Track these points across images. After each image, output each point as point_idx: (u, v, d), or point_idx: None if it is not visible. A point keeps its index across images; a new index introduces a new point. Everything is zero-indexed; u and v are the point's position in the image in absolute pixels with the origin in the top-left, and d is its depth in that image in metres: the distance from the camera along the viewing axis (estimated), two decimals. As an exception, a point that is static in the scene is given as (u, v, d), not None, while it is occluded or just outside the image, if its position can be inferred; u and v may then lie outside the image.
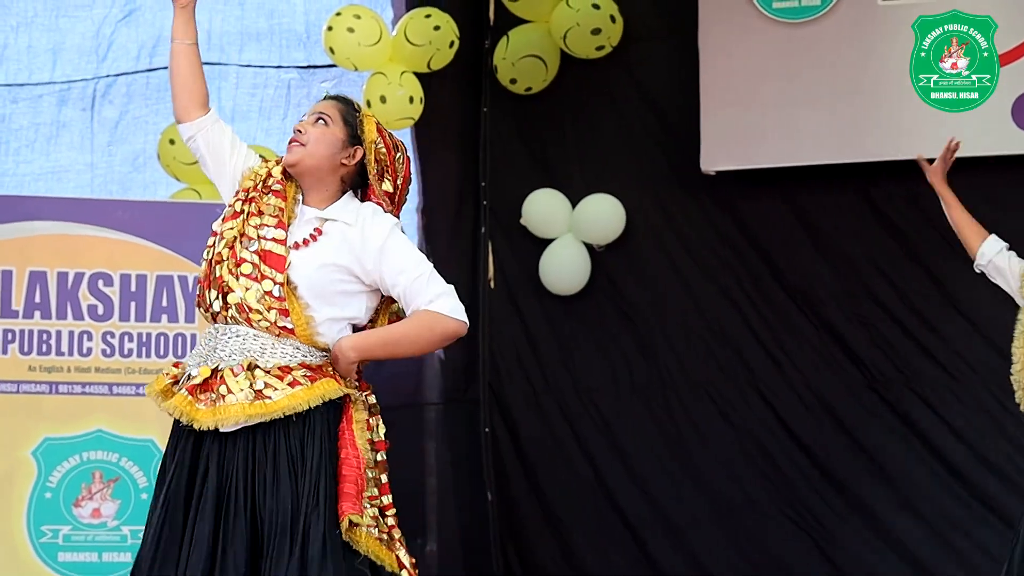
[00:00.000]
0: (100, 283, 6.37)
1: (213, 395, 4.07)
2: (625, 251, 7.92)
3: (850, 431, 7.55)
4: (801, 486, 7.61)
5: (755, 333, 7.75)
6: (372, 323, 4.29)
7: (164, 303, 6.41)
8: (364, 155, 4.27)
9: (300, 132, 4.24)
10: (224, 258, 4.14)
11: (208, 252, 4.21)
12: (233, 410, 4.03)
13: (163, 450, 6.13)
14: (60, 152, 7.91)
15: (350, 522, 4.03)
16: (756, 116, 7.55)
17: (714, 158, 7.64)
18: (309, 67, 7.93)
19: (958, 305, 7.35)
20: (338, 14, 7.37)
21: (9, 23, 7.86)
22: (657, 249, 7.90)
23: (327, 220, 4.21)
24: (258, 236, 4.15)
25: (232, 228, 4.18)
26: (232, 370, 4.08)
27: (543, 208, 7.90)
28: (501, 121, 8.10)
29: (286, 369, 4.10)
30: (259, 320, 4.09)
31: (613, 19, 7.72)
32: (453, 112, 7.99)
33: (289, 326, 4.10)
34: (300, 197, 4.27)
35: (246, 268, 4.11)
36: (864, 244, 7.59)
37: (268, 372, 4.09)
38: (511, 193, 7.96)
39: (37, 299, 6.33)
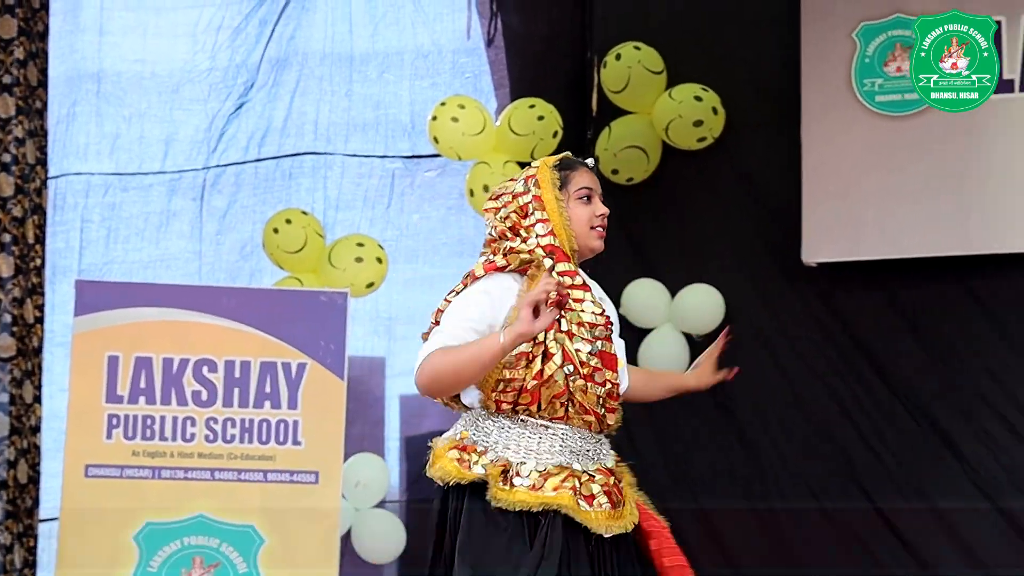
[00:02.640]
0: (204, 369, 6.41)
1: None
2: None
3: (954, 528, 7.43)
4: None
5: (856, 426, 7.65)
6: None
7: (267, 389, 6.44)
8: None
9: (605, 217, 4.32)
10: (563, 364, 4.06)
11: (529, 359, 4.07)
12: (634, 511, 4.19)
13: (264, 537, 6.28)
14: (169, 240, 8.01)
15: None
16: (858, 208, 7.52)
17: (816, 250, 7.61)
18: (414, 157, 7.99)
19: None
20: (443, 104, 7.43)
21: (122, 114, 8.01)
22: (757, 340, 7.83)
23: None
24: (584, 335, 4.13)
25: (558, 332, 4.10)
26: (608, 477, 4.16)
27: (643, 298, 7.86)
28: None
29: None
30: (598, 425, 4.16)
31: (715, 111, 7.72)
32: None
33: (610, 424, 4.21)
34: None
35: (597, 376, 4.12)
36: (967, 338, 7.50)
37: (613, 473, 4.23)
38: (611, 282, 7.77)
39: (142, 384, 6.37)
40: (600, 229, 4.26)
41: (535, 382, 4.00)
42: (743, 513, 7.76)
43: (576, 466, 4.02)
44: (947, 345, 7.51)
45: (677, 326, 7.83)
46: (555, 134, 7.51)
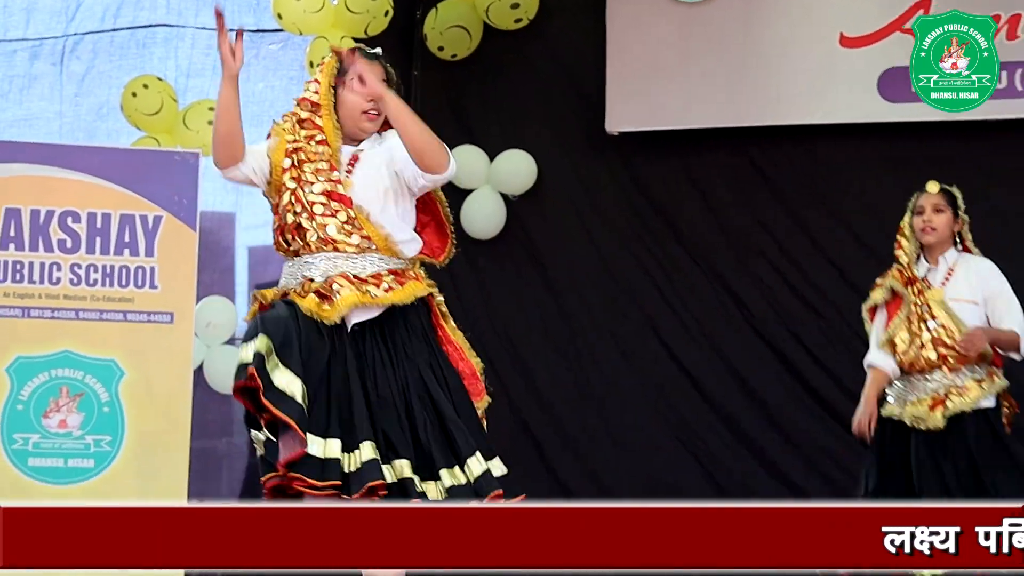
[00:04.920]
0: (69, 220, 6.35)
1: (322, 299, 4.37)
2: (537, 201, 8.06)
3: (734, 367, 7.77)
4: (689, 416, 7.82)
5: (651, 277, 7.90)
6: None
7: (127, 239, 6.39)
8: None
9: (378, 104, 4.48)
10: (293, 204, 4.41)
11: (275, 204, 4.47)
12: (349, 299, 4.30)
13: (124, 370, 6.27)
14: (32, 102, 7.98)
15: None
16: (657, 84, 7.74)
17: (618, 120, 7.82)
18: (258, 31, 7.98)
19: (828, 255, 7.56)
20: (288, -18, 7.43)
21: (-15, -17, 7.91)
22: (565, 200, 8.05)
23: (362, 151, 4.52)
24: (317, 180, 4.41)
25: (291, 179, 4.43)
26: (336, 279, 4.37)
27: (464, 161, 7.77)
28: (429, 83, 8.15)
29: (378, 276, 4.41)
30: (344, 246, 4.39)
31: (531, -6, 7.89)
32: (387, 74, 8.01)
33: (371, 245, 4.41)
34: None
35: (318, 208, 4.39)
36: (747, 200, 7.78)
37: (365, 280, 4.38)
38: None
39: (12, 233, 6.31)
40: (371, 113, 4.48)
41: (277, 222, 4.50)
42: (551, 355, 8.03)
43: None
44: (731, 207, 7.81)
45: (495, 187, 8.05)
46: (387, 13, 7.61)
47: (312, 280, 4.37)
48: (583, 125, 8.01)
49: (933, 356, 5.81)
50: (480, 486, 4.29)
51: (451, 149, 7.69)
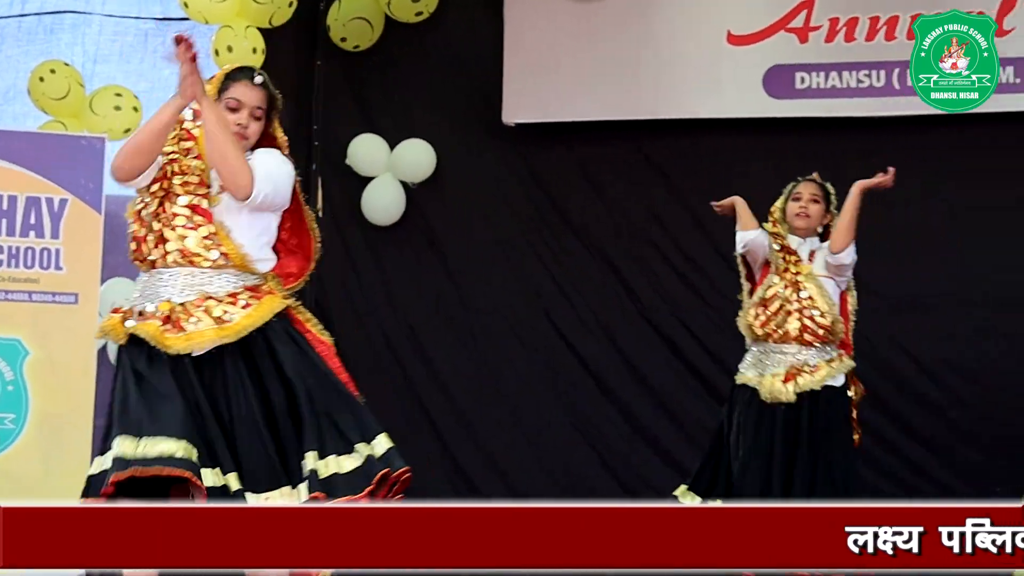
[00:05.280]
0: None
1: (172, 326, 4.31)
2: (436, 189, 8.16)
3: (624, 352, 7.92)
4: (584, 402, 7.94)
5: (545, 265, 8.06)
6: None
7: (32, 221, 6.39)
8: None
9: (245, 127, 4.44)
10: (158, 214, 4.38)
11: (139, 211, 4.42)
12: (206, 335, 4.27)
13: (30, 349, 6.26)
14: None
15: None
16: (552, 77, 7.89)
17: (514, 112, 7.98)
18: (165, 19, 8.00)
19: (715, 244, 7.61)
20: (193, -29, 7.46)
21: None
22: (464, 189, 8.17)
23: None
24: (183, 192, 4.38)
25: (159, 187, 4.39)
26: (191, 303, 4.33)
27: (365, 150, 8.11)
28: (332, 74, 8.24)
29: (234, 295, 4.37)
30: (201, 260, 4.35)
31: (430, -12, 8.03)
32: (290, 63, 8.04)
33: (228, 262, 4.36)
34: None
35: (180, 220, 4.36)
36: (639, 190, 7.94)
37: (221, 300, 4.34)
38: (338, 136, 8.16)
39: None
40: (236, 134, 4.39)
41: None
42: (448, 338, 8.12)
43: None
44: (623, 198, 7.96)
45: (395, 175, 8.14)
46: (291, 4, 7.63)
47: (170, 301, 4.35)
48: (481, 116, 8.12)
49: (796, 327, 6.05)
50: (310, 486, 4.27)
51: (352, 138, 8.07)
